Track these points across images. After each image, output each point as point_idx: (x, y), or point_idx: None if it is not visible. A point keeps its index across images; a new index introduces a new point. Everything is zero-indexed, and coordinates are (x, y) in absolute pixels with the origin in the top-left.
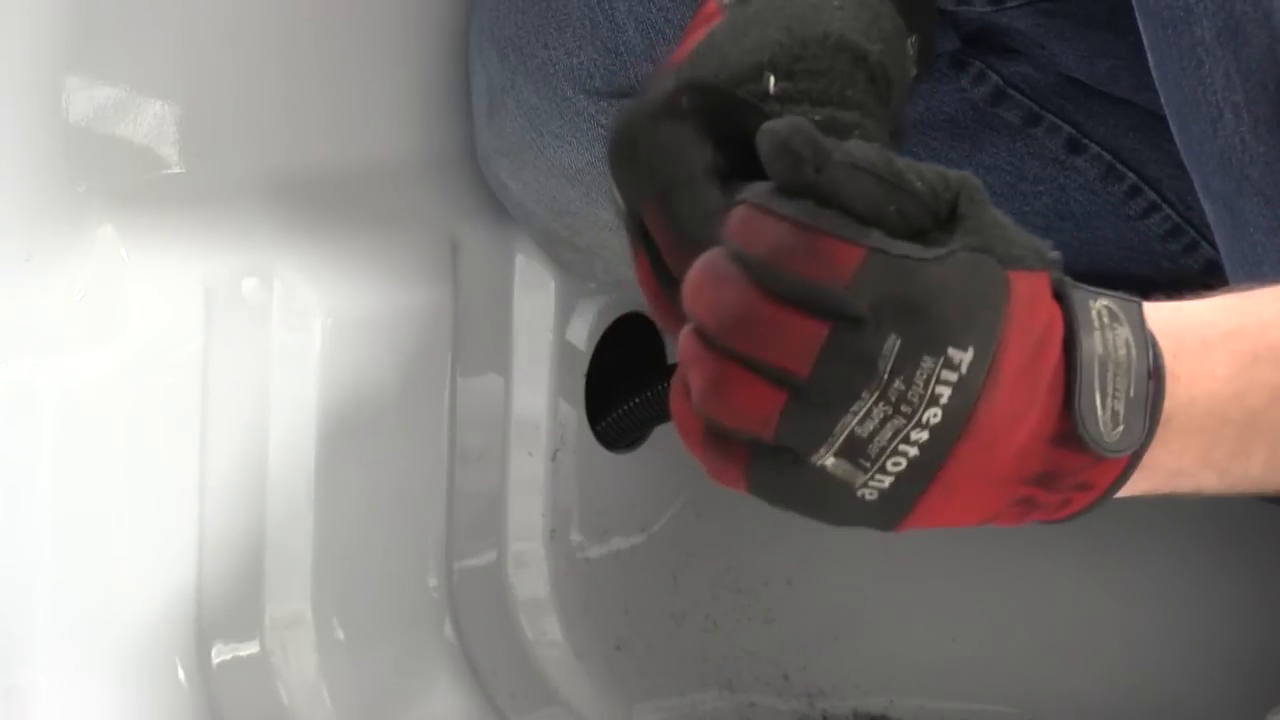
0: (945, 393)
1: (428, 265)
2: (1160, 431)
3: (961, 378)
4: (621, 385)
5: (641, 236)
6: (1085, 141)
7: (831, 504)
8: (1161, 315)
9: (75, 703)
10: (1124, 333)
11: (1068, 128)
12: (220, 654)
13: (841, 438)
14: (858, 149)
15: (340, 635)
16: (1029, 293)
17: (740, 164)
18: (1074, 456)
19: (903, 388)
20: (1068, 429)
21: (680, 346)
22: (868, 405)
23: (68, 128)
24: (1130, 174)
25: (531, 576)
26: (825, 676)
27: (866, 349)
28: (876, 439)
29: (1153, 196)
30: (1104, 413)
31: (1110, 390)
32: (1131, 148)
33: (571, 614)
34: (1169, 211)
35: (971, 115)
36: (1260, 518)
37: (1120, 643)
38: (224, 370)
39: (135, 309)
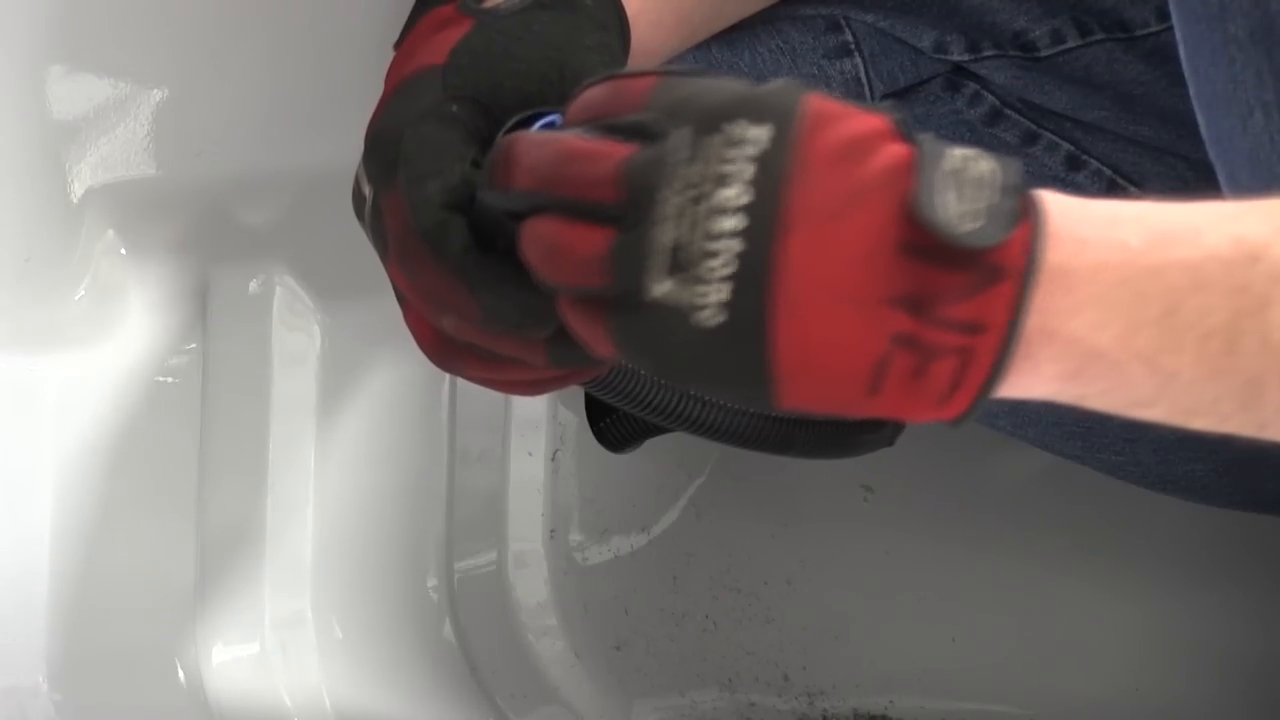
0: (743, 169)
1: None
2: (1068, 297)
3: (763, 152)
4: None
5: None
6: (1085, 158)
7: (677, 339)
8: (1065, 198)
9: (75, 703)
10: (987, 163)
11: (1066, 145)
12: (220, 654)
13: (659, 250)
14: None
15: (340, 635)
16: (833, 103)
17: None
18: (939, 272)
19: (700, 170)
20: (922, 237)
21: (525, 240)
22: (672, 201)
23: (67, 128)
24: (1132, 188)
25: (531, 576)
26: (825, 676)
27: (662, 149)
28: (693, 236)
29: None
30: (956, 208)
31: (968, 196)
32: (1132, 161)
33: (571, 614)
34: None
35: (969, 136)
36: (1259, 521)
37: (1120, 643)
38: (224, 370)
39: (135, 309)
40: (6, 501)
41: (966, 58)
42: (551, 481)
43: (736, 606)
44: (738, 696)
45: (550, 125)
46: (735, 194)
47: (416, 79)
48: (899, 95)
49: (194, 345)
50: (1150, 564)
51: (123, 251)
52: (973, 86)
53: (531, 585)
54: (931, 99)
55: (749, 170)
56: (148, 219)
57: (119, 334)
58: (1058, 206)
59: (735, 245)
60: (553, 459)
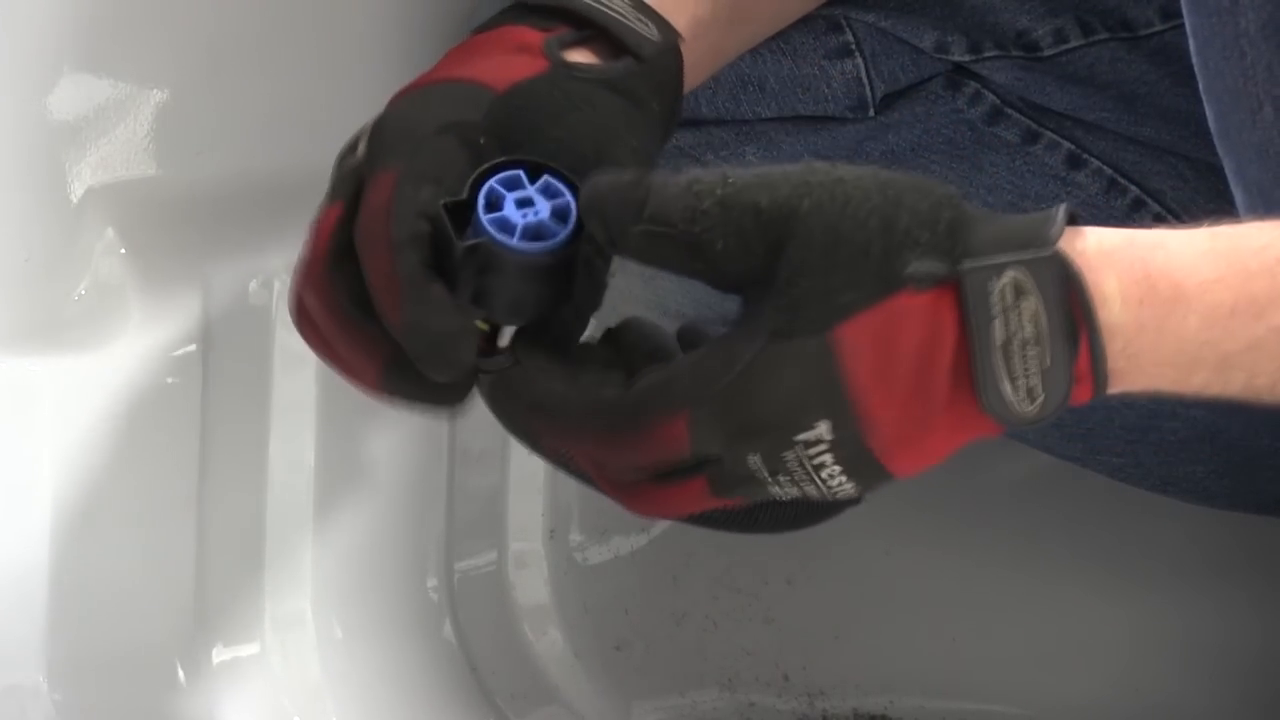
0: (827, 459)
1: None
2: (1126, 365)
3: (836, 439)
4: None
5: (350, 193)
6: (1085, 156)
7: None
8: (1138, 251)
9: (75, 703)
10: (1031, 305)
11: (1067, 144)
12: (220, 654)
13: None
14: (660, 210)
15: (340, 635)
16: (874, 330)
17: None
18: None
19: (791, 474)
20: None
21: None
22: (775, 488)
23: (67, 128)
24: (1133, 187)
25: (531, 576)
26: (825, 676)
27: (740, 473)
28: (807, 490)
29: (1156, 208)
30: (1016, 393)
31: (1020, 371)
32: (1133, 160)
33: (571, 614)
34: (1174, 222)
35: (970, 135)
36: (1259, 522)
37: (1120, 643)
38: (224, 370)
39: (135, 309)
40: (6, 501)
41: (968, 58)
42: (551, 481)
43: (736, 606)
44: (738, 696)
45: (513, 181)
46: (835, 474)
47: (469, 88)
48: (899, 94)
49: (194, 345)
50: (1150, 565)
51: (123, 251)
52: (973, 85)
53: (531, 585)
54: (932, 98)
55: (830, 457)
56: (148, 219)
57: (119, 334)
58: (1130, 282)
59: (851, 485)
60: None
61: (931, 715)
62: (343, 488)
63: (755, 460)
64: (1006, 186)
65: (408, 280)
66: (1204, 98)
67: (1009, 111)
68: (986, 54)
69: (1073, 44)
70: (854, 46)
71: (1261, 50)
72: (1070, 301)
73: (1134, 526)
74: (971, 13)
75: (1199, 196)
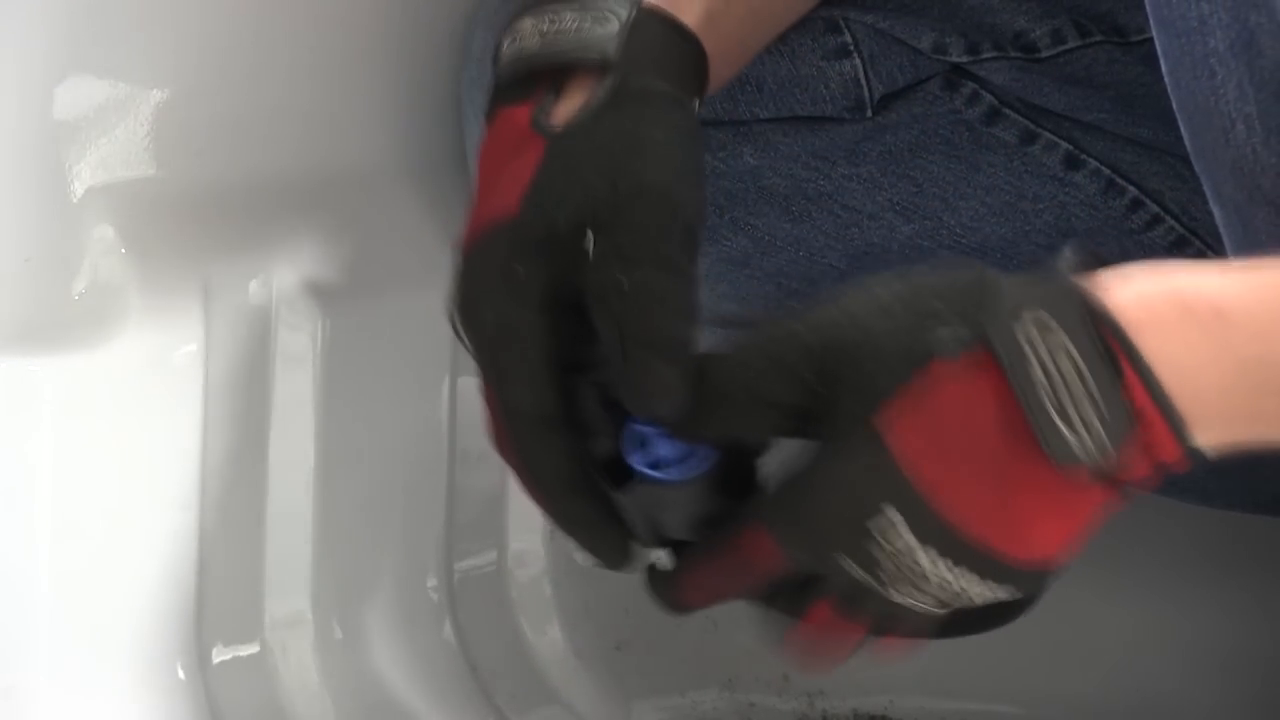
0: (913, 542)
1: (426, 266)
2: (1192, 399)
3: (908, 519)
4: None
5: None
6: (1083, 157)
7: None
8: (1157, 274)
9: (75, 703)
10: (1060, 340)
11: (1065, 144)
12: (220, 654)
13: (909, 604)
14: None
15: (340, 635)
16: (912, 404)
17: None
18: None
19: (892, 573)
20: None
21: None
22: (896, 594)
23: (67, 128)
24: (1131, 187)
25: (531, 576)
26: (825, 676)
27: (844, 582)
28: (926, 590)
29: (1155, 209)
30: (1075, 434)
31: (1072, 409)
32: (1131, 161)
33: (571, 614)
34: (1173, 223)
35: (967, 136)
36: (1257, 522)
37: (1120, 643)
38: (224, 370)
39: (135, 309)
40: (7, 501)
41: (966, 59)
42: None
43: (736, 606)
44: (738, 696)
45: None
46: (930, 565)
47: (487, 239)
48: (897, 95)
49: (194, 345)
50: (1149, 564)
51: (123, 251)
52: (971, 86)
53: (531, 585)
54: (929, 98)
55: (914, 538)
56: (148, 219)
57: (119, 334)
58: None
59: (978, 590)
60: None
61: (931, 715)
62: (343, 488)
63: (848, 563)
64: (1004, 187)
65: (580, 525)
66: (1178, 117)
67: (1006, 112)
68: (984, 55)
69: (1070, 45)
70: (852, 47)
71: (1231, 69)
72: (1100, 329)
73: (1134, 526)
74: (969, 14)
75: (1197, 197)
